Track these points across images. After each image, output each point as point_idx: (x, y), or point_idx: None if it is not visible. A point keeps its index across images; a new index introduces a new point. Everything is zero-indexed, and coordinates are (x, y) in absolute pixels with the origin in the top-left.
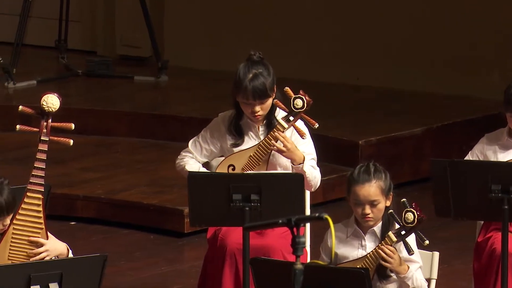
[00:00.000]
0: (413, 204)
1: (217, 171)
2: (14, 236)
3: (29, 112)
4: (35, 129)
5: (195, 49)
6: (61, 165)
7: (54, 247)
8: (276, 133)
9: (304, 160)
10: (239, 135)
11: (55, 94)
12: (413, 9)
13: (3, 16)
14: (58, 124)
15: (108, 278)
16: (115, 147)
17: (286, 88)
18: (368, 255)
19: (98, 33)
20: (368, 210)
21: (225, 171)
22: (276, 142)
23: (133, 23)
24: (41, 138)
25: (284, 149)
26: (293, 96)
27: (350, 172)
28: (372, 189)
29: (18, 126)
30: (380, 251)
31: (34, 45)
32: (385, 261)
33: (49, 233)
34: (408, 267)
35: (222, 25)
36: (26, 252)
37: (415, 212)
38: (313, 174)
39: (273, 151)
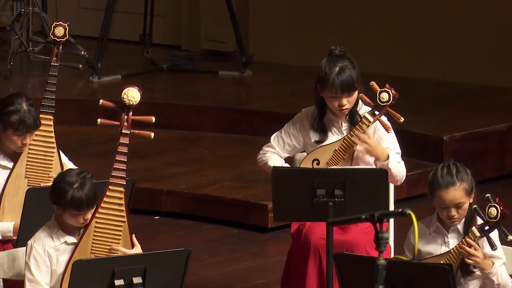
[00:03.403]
0: (497, 199)
1: (302, 165)
2: (96, 230)
3: (109, 105)
4: (116, 123)
5: (280, 44)
6: (146, 159)
7: None
8: (357, 131)
9: (388, 157)
10: (323, 132)
11: (136, 87)
12: (501, 8)
13: (88, 11)
14: (139, 117)
15: (192, 273)
16: (199, 142)
17: (372, 82)
18: (451, 250)
19: (182, 28)
20: (454, 212)
21: (310, 165)
22: (358, 139)
23: (218, 18)
24: (122, 131)
25: (366, 145)
26: (379, 90)
27: (431, 174)
28: (458, 192)
29: (99, 120)
30: (464, 246)
31: (119, 40)
32: (470, 256)
33: (136, 241)
34: (493, 263)
35: (307, 19)
36: (109, 246)
37: (498, 207)
38: (398, 169)
39: (357, 146)
